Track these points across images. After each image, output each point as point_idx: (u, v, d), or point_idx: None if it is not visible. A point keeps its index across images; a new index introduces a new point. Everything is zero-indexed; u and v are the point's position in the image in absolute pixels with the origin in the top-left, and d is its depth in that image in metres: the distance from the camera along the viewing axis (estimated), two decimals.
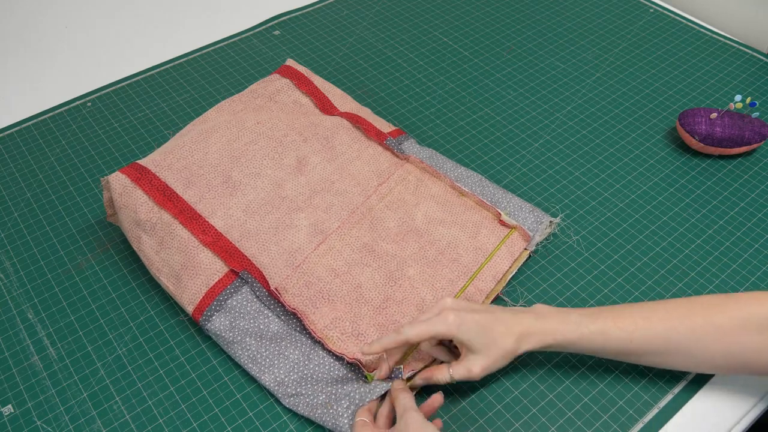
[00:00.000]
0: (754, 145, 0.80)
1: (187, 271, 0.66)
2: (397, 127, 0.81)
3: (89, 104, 0.92)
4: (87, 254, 0.74)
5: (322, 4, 1.10)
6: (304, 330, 0.63)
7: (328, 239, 0.69)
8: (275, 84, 0.83)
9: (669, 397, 0.61)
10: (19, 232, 0.76)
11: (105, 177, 0.70)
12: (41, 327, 0.67)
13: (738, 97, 0.79)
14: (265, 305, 0.64)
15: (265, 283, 0.65)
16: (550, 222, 0.72)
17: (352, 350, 0.61)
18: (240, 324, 0.63)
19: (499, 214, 0.71)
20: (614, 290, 0.69)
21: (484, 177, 0.78)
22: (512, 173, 0.81)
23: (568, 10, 1.07)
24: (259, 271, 0.66)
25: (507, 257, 0.69)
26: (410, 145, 0.78)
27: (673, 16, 1.05)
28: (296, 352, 0.62)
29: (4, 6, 1.11)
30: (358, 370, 0.61)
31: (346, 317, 0.63)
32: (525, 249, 0.70)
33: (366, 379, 0.60)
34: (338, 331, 0.62)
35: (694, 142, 0.81)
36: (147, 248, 0.68)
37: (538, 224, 0.71)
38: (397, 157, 0.77)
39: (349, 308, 0.64)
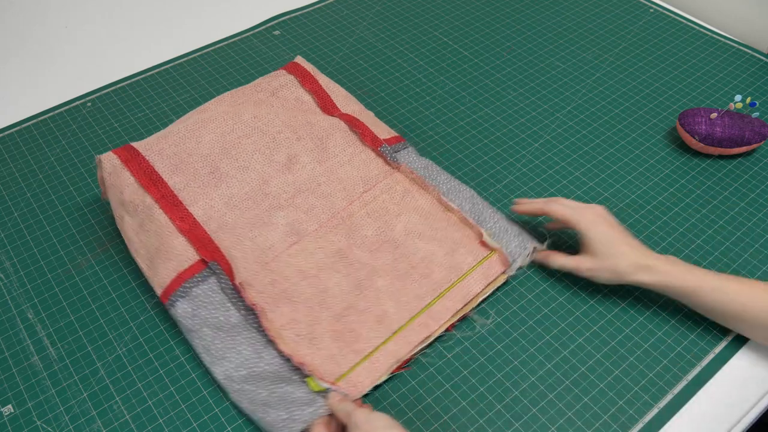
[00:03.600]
0: (754, 145, 0.80)
1: (160, 255, 0.66)
2: (397, 134, 0.80)
3: (89, 104, 0.92)
4: (87, 254, 0.74)
5: (322, 4, 1.10)
6: (261, 327, 0.63)
7: (302, 241, 0.69)
8: (280, 80, 0.83)
9: (669, 397, 0.61)
10: (19, 232, 0.76)
11: (99, 155, 0.72)
12: (41, 327, 0.67)
13: (738, 97, 0.79)
14: (229, 298, 0.64)
15: (232, 276, 0.65)
16: (535, 248, 0.70)
17: (303, 353, 0.61)
18: (201, 313, 0.63)
19: (482, 234, 0.69)
20: (614, 290, 0.69)
21: (476, 193, 0.75)
22: (512, 173, 0.81)
23: (568, 10, 1.07)
24: (229, 264, 0.66)
25: (481, 279, 0.67)
26: (407, 154, 0.77)
27: (673, 16, 1.05)
28: (248, 349, 0.61)
29: (4, 6, 1.11)
30: (302, 374, 0.60)
31: (303, 320, 0.63)
32: (503, 273, 0.68)
33: (307, 384, 0.59)
34: (293, 333, 0.62)
35: (694, 142, 0.81)
36: (128, 229, 0.69)
37: (522, 249, 0.69)
38: (389, 165, 0.76)
39: (309, 311, 0.64)
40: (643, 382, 0.62)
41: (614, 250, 0.63)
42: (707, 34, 1.01)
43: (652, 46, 0.99)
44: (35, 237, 0.76)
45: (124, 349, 0.65)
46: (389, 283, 0.66)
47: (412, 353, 0.63)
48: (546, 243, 0.71)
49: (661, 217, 0.76)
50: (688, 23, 1.04)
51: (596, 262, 0.64)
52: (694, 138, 0.80)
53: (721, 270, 0.71)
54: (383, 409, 0.61)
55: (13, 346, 0.66)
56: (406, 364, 0.63)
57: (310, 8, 1.09)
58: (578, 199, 0.78)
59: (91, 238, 0.75)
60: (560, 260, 0.67)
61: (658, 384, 0.62)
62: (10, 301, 0.70)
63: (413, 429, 0.59)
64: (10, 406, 0.61)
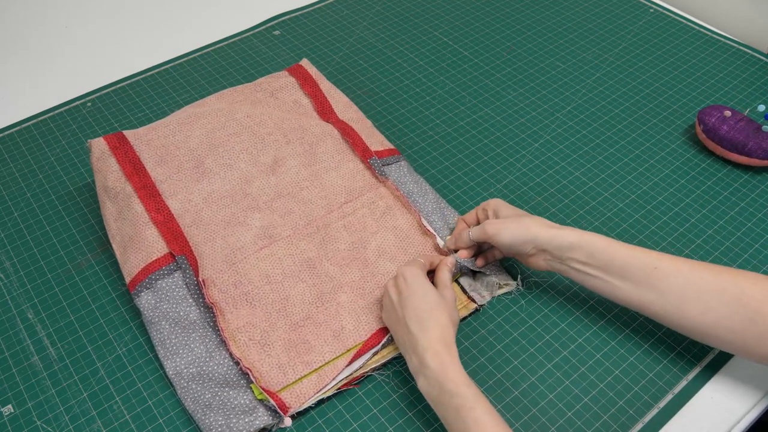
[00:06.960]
0: (755, 160, 0.78)
1: (132, 243, 0.67)
2: (392, 147, 0.79)
3: (89, 104, 0.92)
4: (87, 254, 0.74)
5: (322, 4, 1.10)
6: (217, 327, 0.63)
7: (273, 245, 0.69)
8: (281, 81, 0.83)
9: (669, 397, 0.61)
10: (19, 232, 0.76)
11: (89, 140, 0.73)
12: (41, 327, 0.67)
13: (761, 107, 0.79)
14: (191, 294, 0.65)
15: (198, 272, 0.66)
16: (499, 284, 0.68)
17: (252, 358, 0.61)
18: (163, 306, 0.64)
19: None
20: None
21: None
22: (512, 173, 0.81)
23: (568, 10, 1.07)
24: (196, 260, 0.67)
25: None
26: (398, 168, 0.76)
27: (673, 16, 1.05)
28: (201, 347, 0.62)
29: (4, 6, 1.11)
30: (248, 379, 0.60)
31: (260, 325, 0.63)
32: (470, 300, 0.67)
33: (252, 392, 0.59)
34: (246, 337, 0.62)
35: (699, 131, 0.81)
36: (108, 214, 0.71)
37: (492, 282, 0.68)
38: (376, 178, 0.75)
39: (267, 317, 0.64)
40: (643, 382, 0.62)
41: (525, 218, 0.64)
42: (707, 34, 1.01)
43: (652, 46, 0.99)
44: (35, 237, 0.76)
45: (124, 349, 0.65)
46: (352, 299, 0.65)
47: (364, 371, 0.62)
48: (519, 278, 0.69)
49: (661, 217, 0.76)
50: (688, 23, 1.04)
51: (502, 222, 0.63)
52: (700, 126, 0.81)
53: None
54: (383, 410, 0.61)
55: (13, 346, 0.66)
56: (356, 381, 0.62)
57: (310, 8, 1.09)
58: (579, 199, 0.78)
59: (91, 238, 0.75)
60: (466, 235, 0.66)
61: (658, 384, 0.62)
62: (10, 301, 0.70)
63: (413, 429, 0.59)
64: (10, 406, 0.61)
